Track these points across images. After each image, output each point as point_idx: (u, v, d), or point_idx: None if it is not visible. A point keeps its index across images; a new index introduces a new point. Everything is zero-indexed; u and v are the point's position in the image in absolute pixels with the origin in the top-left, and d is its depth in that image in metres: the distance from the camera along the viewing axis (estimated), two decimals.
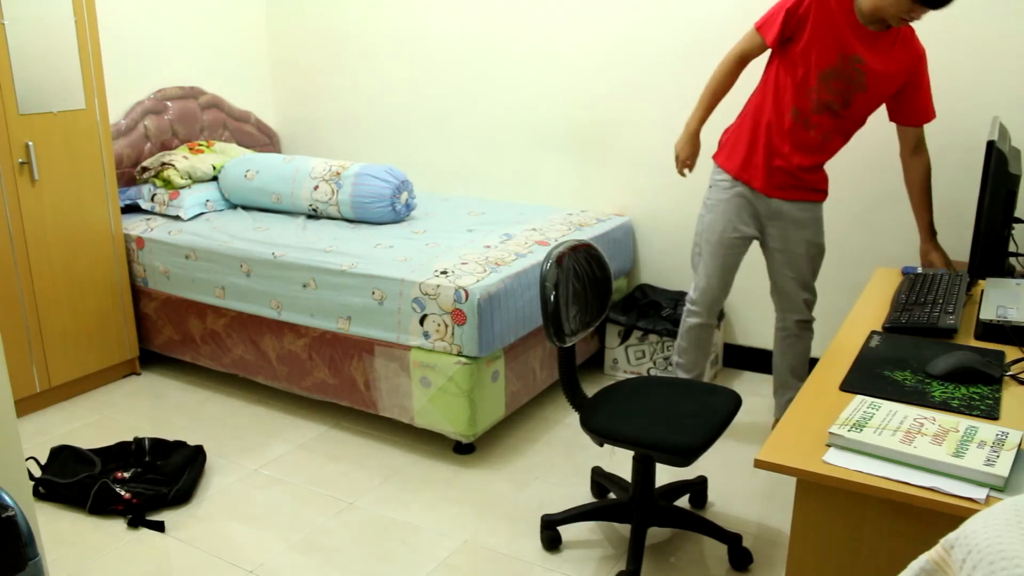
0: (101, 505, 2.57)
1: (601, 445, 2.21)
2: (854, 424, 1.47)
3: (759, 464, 1.42)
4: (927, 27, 2.96)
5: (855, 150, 3.17)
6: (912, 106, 2.54)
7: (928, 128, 3.04)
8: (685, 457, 2.03)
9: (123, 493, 2.57)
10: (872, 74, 2.44)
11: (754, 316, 3.54)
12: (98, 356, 3.44)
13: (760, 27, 2.57)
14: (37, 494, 2.66)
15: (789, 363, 2.84)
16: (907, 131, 2.60)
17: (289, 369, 3.21)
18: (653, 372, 3.47)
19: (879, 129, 3.12)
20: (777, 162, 2.60)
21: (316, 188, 3.56)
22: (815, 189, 2.67)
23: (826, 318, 3.38)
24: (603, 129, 3.69)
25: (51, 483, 2.63)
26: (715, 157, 2.76)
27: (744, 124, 2.66)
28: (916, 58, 2.47)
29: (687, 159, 2.74)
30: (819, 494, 1.41)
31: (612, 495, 2.57)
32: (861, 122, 2.58)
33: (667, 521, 2.37)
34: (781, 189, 2.63)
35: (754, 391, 3.41)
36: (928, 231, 2.68)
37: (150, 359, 3.75)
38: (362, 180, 3.48)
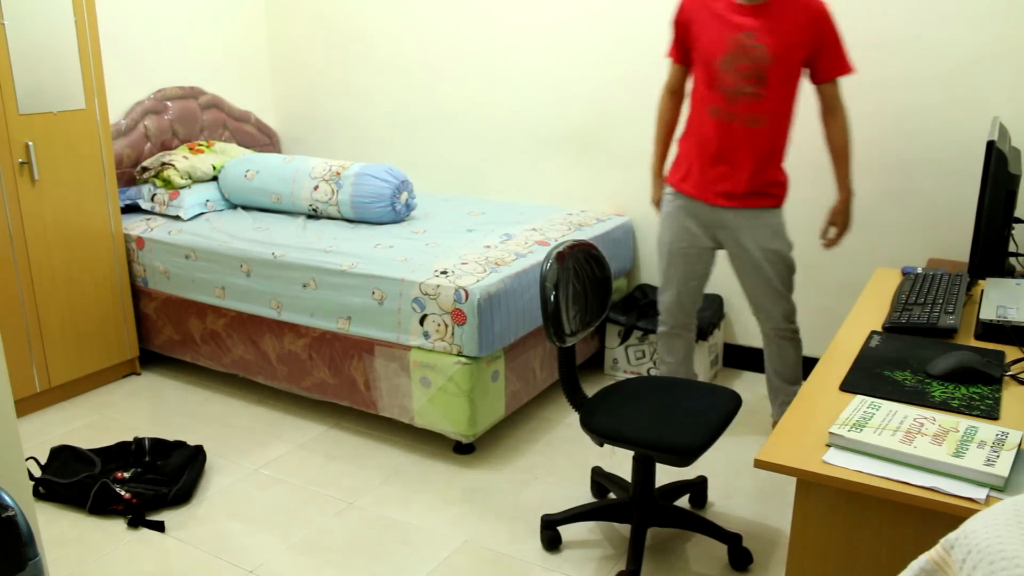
0: (101, 505, 2.57)
1: (601, 445, 2.21)
2: (854, 424, 1.47)
3: (759, 464, 1.42)
4: (927, 27, 2.96)
5: (855, 149, 3.17)
6: (823, 63, 2.50)
7: (928, 128, 3.05)
8: (685, 457, 2.03)
9: (123, 493, 2.57)
10: (771, 44, 2.42)
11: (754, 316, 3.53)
12: (98, 356, 3.44)
13: (668, 53, 2.68)
14: (37, 494, 2.66)
15: (775, 368, 2.81)
16: (821, 90, 2.56)
17: (289, 369, 3.21)
18: (653, 372, 3.47)
19: (878, 129, 3.13)
20: (712, 170, 2.59)
21: (316, 188, 3.56)
22: (761, 193, 2.59)
23: (826, 318, 3.38)
24: (603, 129, 3.69)
25: (51, 483, 2.63)
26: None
27: (682, 137, 2.70)
28: (815, 15, 2.43)
29: (656, 198, 2.83)
30: (819, 494, 1.41)
31: (612, 495, 2.57)
32: (787, 97, 2.51)
33: (667, 521, 2.37)
34: (722, 196, 2.60)
35: (754, 391, 3.41)
36: (842, 193, 2.65)
37: (150, 359, 3.75)
38: (362, 180, 3.48)
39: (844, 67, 2.53)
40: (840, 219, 2.68)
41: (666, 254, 2.76)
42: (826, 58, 2.49)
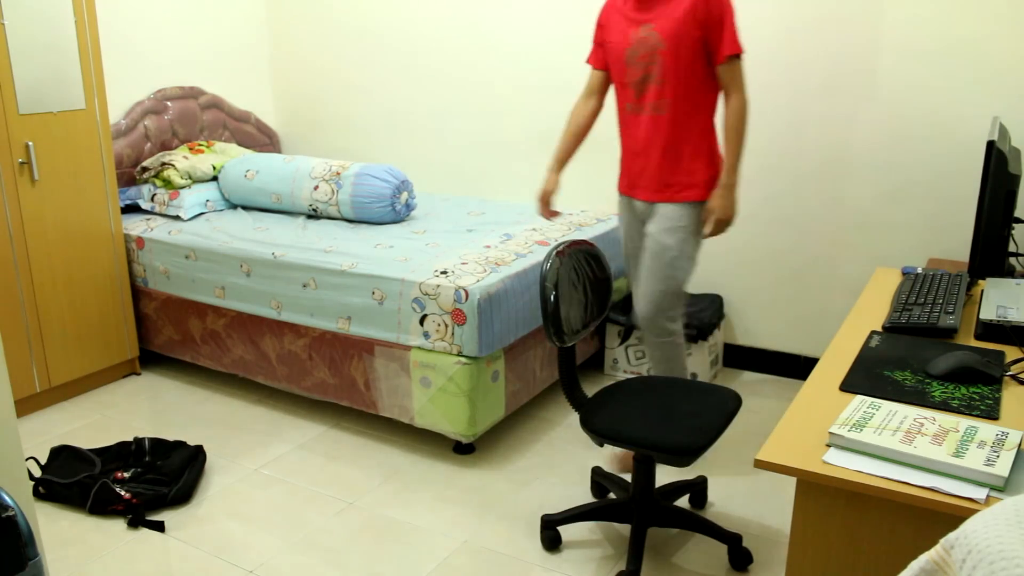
0: (101, 505, 2.57)
1: (601, 445, 2.21)
2: (854, 424, 1.47)
3: (759, 464, 1.42)
4: (927, 27, 2.96)
5: (855, 149, 3.17)
6: (711, 45, 2.47)
7: (928, 128, 3.05)
8: (685, 457, 2.03)
9: (123, 493, 2.57)
10: (663, 29, 2.46)
11: (754, 316, 3.54)
12: (98, 356, 3.44)
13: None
14: (37, 494, 2.66)
15: (651, 368, 2.78)
16: (717, 72, 2.50)
17: (289, 369, 3.21)
18: (653, 372, 3.46)
19: (877, 129, 3.13)
20: (633, 165, 2.64)
21: (316, 188, 3.56)
22: (671, 185, 2.56)
23: (826, 318, 3.38)
24: (603, 129, 3.68)
25: (51, 483, 2.63)
26: None
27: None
28: (698, 1, 2.42)
29: (541, 193, 2.77)
30: (819, 494, 1.41)
31: (612, 495, 2.57)
32: (690, 83, 2.48)
33: (667, 521, 2.37)
34: (641, 190, 2.64)
35: (754, 391, 3.41)
36: (724, 177, 2.54)
37: (150, 359, 3.75)
38: (362, 180, 3.48)
39: (731, 47, 2.45)
40: (715, 205, 2.54)
41: (624, 256, 2.83)
42: (714, 39, 2.45)
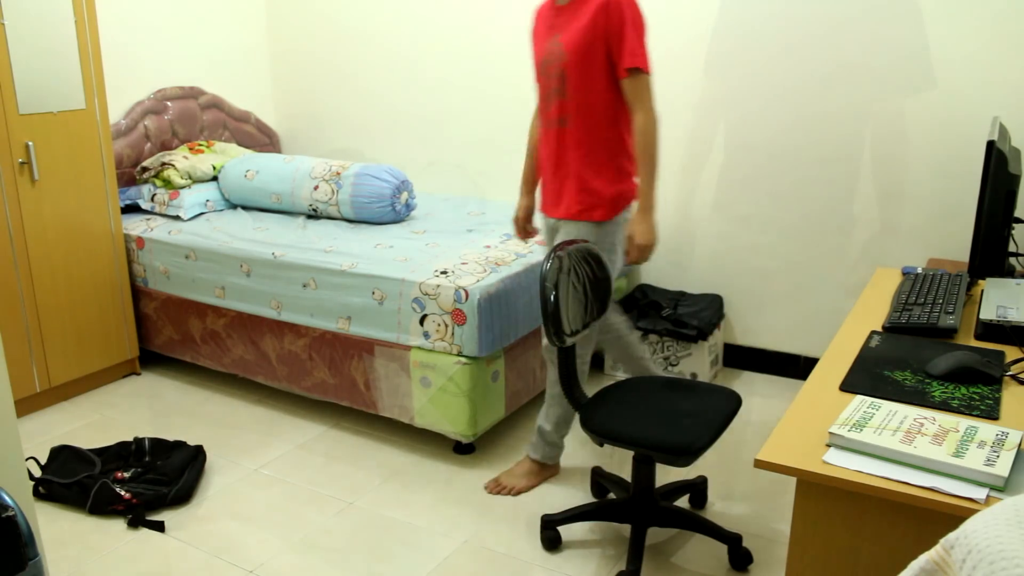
0: (101, 505, 2.57)
1: (601, 445, 2.21)
2: (854, 424, 1.47)
3: (759, 464, 1.42)
4: (927, 27, 2.96)
5: (855, 149, 3.17)
6: (613, 57, 2.35)
7: (928, 128, 3.04)
8: (685, 457, 2.03)
9: (123, 493, 2.57)
10: (567, 40, 2.38)
11: (754, 316, 3.54)
12: (98, 356, 3.44)
13: None
14: (37, 494, 2.66)
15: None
16: (621, 86, 2.39)
17: (289, 369, 3.21)
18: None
19: (877, 129, 3.13)
20: (548, 181, 2.55)
21: (316, 188, 3.56)
22: (577, 203, 2.47)
23: (826, 318, 3.38)
24: None
25: (51, 483, 2.63)
26: None
27: None
28: (599, 8, 2.31)
29: (515, 216, 2.80)
30: (819, 494, 1.41)
31: (612, 495, 2.57)
32: (594, 95, 2.38)
33: (667, 521, 2.37)
34: (551, 206, 2.56)
35: (754, 391, 3.41)
36: (640, 198, 2.41)
37: (150, 359, 3.75)
38: (362, 180, 3.48)
39: (632, 60, 2.32)
40: (632, 231, 2.42)
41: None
42: (615, 52, 2.34)
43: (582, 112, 2.42)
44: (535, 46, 2.52)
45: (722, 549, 2.37)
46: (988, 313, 1.95)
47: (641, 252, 2.43)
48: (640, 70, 2.34)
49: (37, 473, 2.71)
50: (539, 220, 2.73)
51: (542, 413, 2.68)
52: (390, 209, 3.48)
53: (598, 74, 2.38)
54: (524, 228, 2.78)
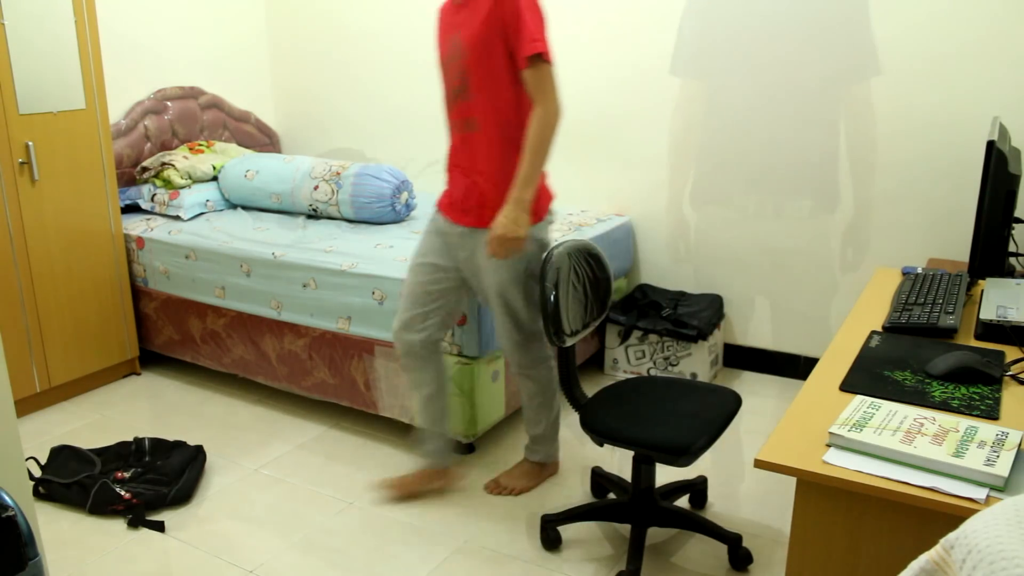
0: (101, 505, 2.57)
1: (601, 445, 2.21)
2: (854, 424, 1.47)
3: (759, 464, 1.42)
4: (927, 27, 2.96)
5: (855, 149, 3.17)
6: (512, 51, 2.22)
7: (928, 128, 3.04)
8: (685, 457, 2.03)
9: (123, 493, 2.57)
10: (465, 36, 2.26)
11: (754, 316, 3.54)
12: (98, 356, 3.44)
13: None
14: (37, 494, 2.66)
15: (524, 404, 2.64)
16: (523, 80, 2.25)
17: (289, 369, 3.21)
18: (653, 372, 3.47)
19: (878, 129, 3.13)
20: (449, 182, 2.45)
21: (316, 188, 3.56)
22: (480, 209, 2.35)
23: (826, 318, 3.38)
24: (603, 129, 3.68)
25: (51, 483, 2.63)
26: None
27: None
28: (493, 3, 2.19)
29: None
30: (819, 494, 1.41)
31: (612, 495, 2.57)
32: (499, 95, 2.26)
33: (667, 521, 2.37)
34: (452, 210, 2.42)
35: (754, 391, 3.41)
36: (514, 188, 2.26)
37: (150, 359, 3.75)
38: (362, 180, 3.48)
39: (529, 47, 2.17)
40: (498, 220, 2.27)
41: (411, 267, 2.54)
42: (513, 41, 2.20)
43: (487, 113, 2.28)
44: (438, 46, 2.40)
45: (722, 549, 2.37)
46: (988, 313, 1.95)
47: (500, 243, 2.26)
48: (540, 58, 2.19)
49: (37, 473, 2.71)
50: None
51: (529, 421, 2.65)
52: (390, 209, 3.48)
53: (500, 72, 2.24)
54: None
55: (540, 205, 2.37)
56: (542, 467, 2.73)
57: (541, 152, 2.23)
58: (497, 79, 2.25)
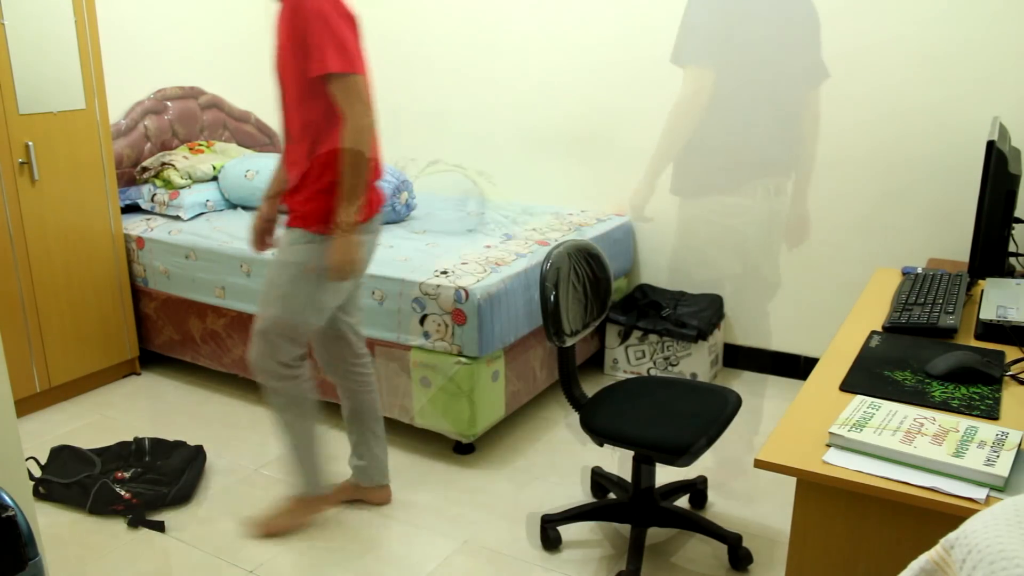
0: (101, 505, 2.57)
1: (601, 445, 2.21)
2: (854, 424, 1.47)
3: (759, 464, 1.42)
4: (927, 27, 2.96)
5: (855, 149, 3.17)
6: (308, 61, 2.11)
7: (928, 128, 3.04)
8: (685, 457, 2.03)
9: (123, 493, 2.57)
10: (277, 47, 2.17)
11: (754, 316, 3.54)
12: (98, 356, 3.44)
13: None
14: (37, 494, 2.66)
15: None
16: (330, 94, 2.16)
17: None
18: (653, 372, 3.47)
19: (878, 129, 3.13)
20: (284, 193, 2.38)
21: None
22: (292, 212, 2.30)
23: (826, 318, 3.38)
24: (603, 129, 3.68)
25: (51, 483, 2.63)
26: None
27: None
28: (292, 9, 2.08)
29: None
30: (819, 494, 1.41)
31: (612, 495, 2.57)
32: (314, 105, 2.16)
33: (667, 521, 2.37)
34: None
35: (754, 391, 3.41)
36: (339, 213, 2.17)
37: (150, 359, 3.75)
38: None
39: (322, 65, 2.06)
40: (329, 256, 2.19)
41: None
42: (310, 55, 2.08)
43: (302, 126, 2.19)
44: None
45: (722, 549, 2.37)
46: (988, 313, 1.95)
47: (337, 272, 2.20)
48: (339, 75, 2.07)
49: (37, 473, 2.71)
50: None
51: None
52: (390, 209, 3.48)
53: (306, 83, 2.13)
54: (261, 239, 2.53)
55: (366, 211, 2.25)
56: (305, 501, 2.48)
57: (356, 167, 2.13)
58: (304, 91, 2.15)
